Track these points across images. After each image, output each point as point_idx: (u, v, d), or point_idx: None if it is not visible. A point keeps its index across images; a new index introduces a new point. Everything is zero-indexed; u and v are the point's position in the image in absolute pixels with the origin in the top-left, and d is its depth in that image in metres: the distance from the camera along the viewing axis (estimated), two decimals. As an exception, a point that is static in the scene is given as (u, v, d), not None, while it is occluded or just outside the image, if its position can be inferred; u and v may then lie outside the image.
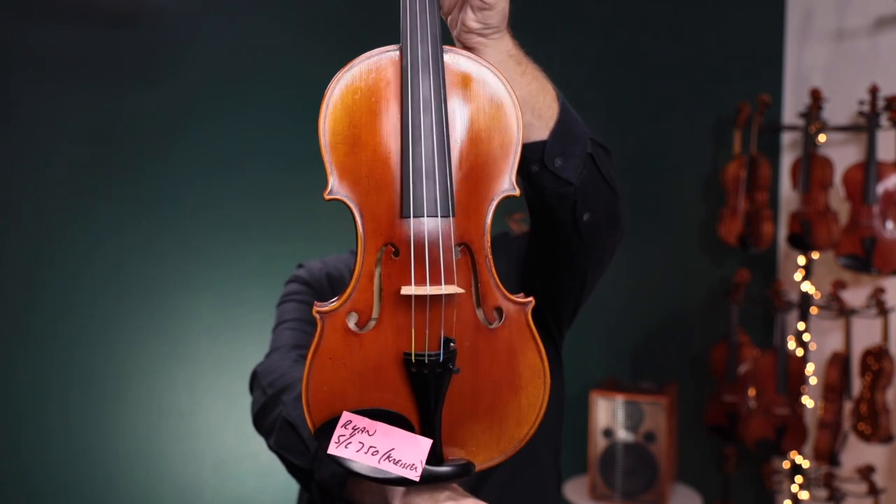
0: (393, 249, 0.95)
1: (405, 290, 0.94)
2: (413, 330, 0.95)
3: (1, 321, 2.64)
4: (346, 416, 0.94)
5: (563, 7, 3.30)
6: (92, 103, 2.69)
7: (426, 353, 0.95)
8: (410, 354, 0.95)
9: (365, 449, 0.93)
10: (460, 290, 0.96)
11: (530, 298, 0.99)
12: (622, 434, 3.04)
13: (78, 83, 2.68)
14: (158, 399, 2.81)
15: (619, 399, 3.04)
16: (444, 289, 0.94)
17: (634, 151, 3.22)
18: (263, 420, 1.24)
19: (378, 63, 0.95)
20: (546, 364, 0.99)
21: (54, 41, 2.64)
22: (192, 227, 2.81)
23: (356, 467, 0.93)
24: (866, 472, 2.89)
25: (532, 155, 1.09)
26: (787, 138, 3.24)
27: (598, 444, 3.06)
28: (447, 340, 0.95)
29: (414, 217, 0.94)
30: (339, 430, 0.93)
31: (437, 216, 0.94)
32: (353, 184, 0.94)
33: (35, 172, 2.66)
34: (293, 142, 2.84)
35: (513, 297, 0.98)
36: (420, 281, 0.95)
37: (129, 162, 2.75)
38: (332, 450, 0.93)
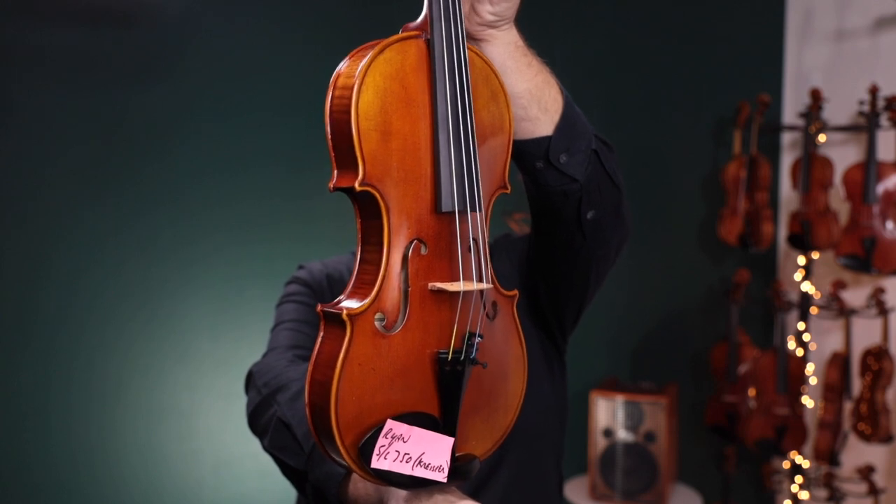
0: (422, 245, 0.91)
1: (446, 287, 0.91)
2: (455, 327, 0.93)
3: (1, 321, 2.64)
4: (389, 424, 0.88)
5: (563, 7, 3.30)
6: (92, 103, 2.69)
7: (462, 349, 0.93)
8: (447, 353, 0.92)
9: (400, 457, 0.89)
10: (491, 286, 0.96)
11: (515, 291, 1.02)
12: (622, 434, 3.04)
13: (78, 83, 2.68)
14: (158, 399, 2.81)
15: (619, 399, 3.04)
16: (483, 284, 0.94)
17: (634, 151, 3.22)
18: (258, 420, 1.23)
19: (405, 49, 0.91)
20: (525, 352, 1.02)
21: (54, 41, 2.63)
22: (192, 227, 2.81)
23: (393, 478, 0.89)
24: (866, 472, 2.89)
25: (537, 151, 1.08)
26: (787, 138, 3.24)
27: (598, 444, 3.06)
28: (475, 335, 0.94)
29: (450, 211, 0.92)
30: (380, 441, 0.87)
31: (469, 210, 0.93)
32: (382, 175, 0.88)
33: (35, 172, 2.65)
34: (293, 142, 2.85)
35: (504, 291, 1.01)
36: (456, 276, 0.93)
37: (129, 162, 2.75)
38: (375, 463, 0.87)
